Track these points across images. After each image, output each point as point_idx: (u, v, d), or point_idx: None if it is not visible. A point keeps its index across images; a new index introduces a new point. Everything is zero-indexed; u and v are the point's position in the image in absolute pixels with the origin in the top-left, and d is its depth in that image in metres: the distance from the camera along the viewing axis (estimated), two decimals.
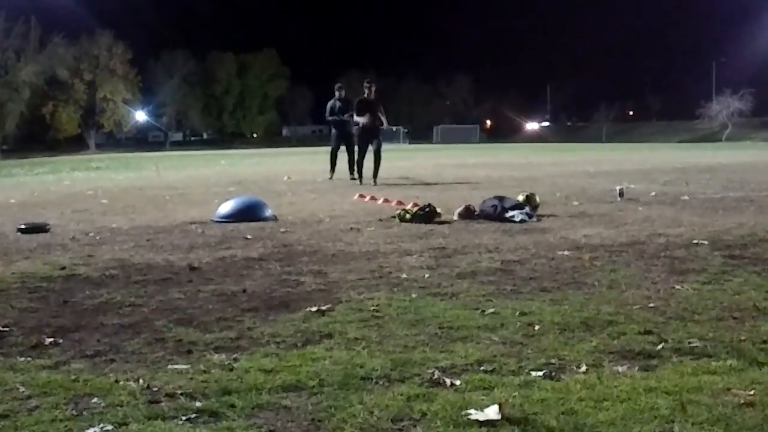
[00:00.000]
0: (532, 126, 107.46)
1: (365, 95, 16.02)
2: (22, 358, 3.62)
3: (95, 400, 3.04)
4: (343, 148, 17.22)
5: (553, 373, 3.26)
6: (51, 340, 3.93)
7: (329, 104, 17.54)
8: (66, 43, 76.56)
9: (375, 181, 15.54)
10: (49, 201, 13.16)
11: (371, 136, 16.05)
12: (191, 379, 3.27)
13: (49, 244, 7.48)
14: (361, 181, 15.68)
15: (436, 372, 3.27)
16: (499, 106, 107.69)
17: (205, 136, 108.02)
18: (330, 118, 17.43)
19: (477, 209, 9.05)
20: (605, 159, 28.14)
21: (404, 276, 5.50)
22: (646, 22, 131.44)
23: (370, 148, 15.90)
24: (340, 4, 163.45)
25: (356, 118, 15.97)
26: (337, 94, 17.41)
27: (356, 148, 16.60)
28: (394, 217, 8.97)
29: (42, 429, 2.75)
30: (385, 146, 16.55)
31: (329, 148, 17.78)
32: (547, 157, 32.30)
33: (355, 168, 16.31)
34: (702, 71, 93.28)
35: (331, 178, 17.04)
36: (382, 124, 16.23)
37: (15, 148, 68.69)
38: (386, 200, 11.22)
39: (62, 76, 77.84)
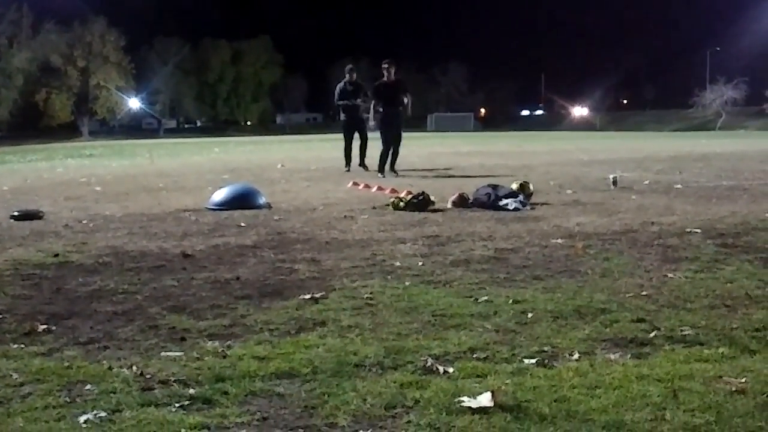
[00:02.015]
0: (580, 112, 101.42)
1: (384, 78, 14.62)
2: (15, 345, 3.62)
3: (88, 387, 3.04)
4: (355, 135, 16.18)
5: (546, 361, 3.27)
6: (44, 327, 3.93)
7: (338, 87, 16.30)
8: (59, 30, 76.20)
9: (395, 171, 14.49)
10: (42, 188, 13.12)
11: (393, 122, 14.71)
12: (184, 366, 3.27)
13: (42, 232, 7.46)
14: (383, 173, 14.38)
15: (429, 359, 3.27)
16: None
17: (198, 123, 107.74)
18: (339, 102, 16.19)
19: (471, 197, 9.05)
20: (599, 147, 28.15)
21: (398, 264, 5.51)
22: (640, 10, 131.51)
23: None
24: None
25: (374, 109, 14.74)
26: (347, 76, 16.10)
27: (368, 136, 15.87)
28: (387, 205, 8.97)
29: (35, 416, 2.75)
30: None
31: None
32: (541, 145, 32.30)
33: (383, 168, 14.69)
34: (696, 60, 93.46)
35: (348, 170, 15.67)
36: (404, 108, 14.85)
37: (8, 135, 68.35)
38: (380, 188, 11.21)
39: (55, 63, 77.54)
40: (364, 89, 16.10)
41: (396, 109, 14.73)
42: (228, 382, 3.05)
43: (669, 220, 7.56)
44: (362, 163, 16.08)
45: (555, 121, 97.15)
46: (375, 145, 15.37)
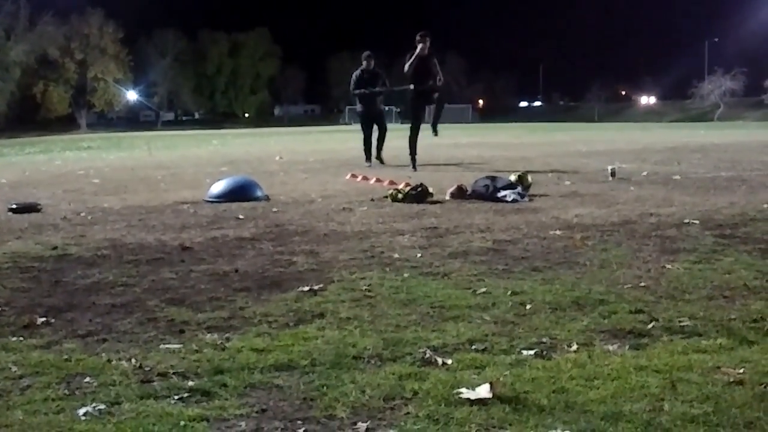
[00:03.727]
0: (647, 101, 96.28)
1: (418, 50, 13.31)
2: (14, 338, 3.62)
3: (87, 379, 3.04)
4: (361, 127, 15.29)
5: (544, 352, 3.27)
6: (43, 319, 3.93)
7: (354, 75, 15.26)
8: (56, 22, 76.04)
9: (414, 166, 13.44)
10: (41, 181, 13.11)
11: (427, 100, 13.68)
12: (183, 358, 3.27)
13: (41, 224, 7.46)
14: (415, 166, 13.40)
15: (428, 351, 3.28)
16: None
17: (196, 115, 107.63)
18: (356, 91, 15.17)
19: (469, 189, 9.05)
20: (597, 139, 28.13)
21: (396, 256, 5.51)
22: (638, 1, 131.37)
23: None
24: None
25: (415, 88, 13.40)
26: (364, 63, 15.06)
27: (376, 124, 15.01)
28: (386, 197, 8.96)
29: (34, 408, 2.75)
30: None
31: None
32: (540, 136, 32.28)
33: (414, 158, 13.68)
34: (694, 51, 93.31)
35: (369, 165, 14.67)
36: (439, 82, 13.59)
37: (5, 128, 68.10)
38: (378, 180, 11.20)
39: (53, 56, 77.46)
40: (382, 77, 15.17)
41: (427, 85, 13.52)
42: (227, 375, 3.06)
43: (667, 211, 7.56)
44: (379, 156, 15.22)
45: (553, 111, 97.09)
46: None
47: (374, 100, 15.22)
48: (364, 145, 15.33)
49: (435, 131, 14.22)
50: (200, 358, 3.26)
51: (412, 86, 13.54)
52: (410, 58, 13.42)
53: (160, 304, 4.24)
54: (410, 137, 13.77)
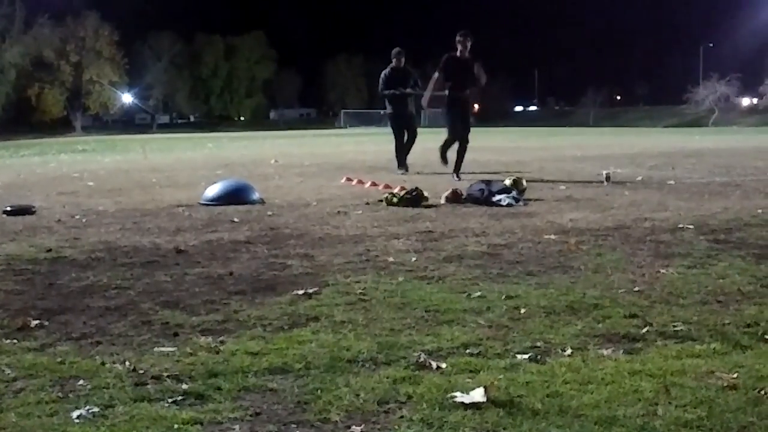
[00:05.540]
0: (749, 101, 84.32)
1: (458, 52, 12.27)
2: (8, 341, 3.61)
3: (81, 382, 3.03)
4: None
5: (539, 356, 3.28)
6: (37, 322, 3.92)
7: (383, 74, 14.09)
8: (52, 25, 75.98)
9: (458, 175, 12.42)
10: (35, 183, 13.09)
11: (464, 108, 12.74)
12: (177, 361, 3.27)
13: (35, 227, 7.44)
14: (458, 176, 12.39)
15: (422, 355, 3.28)
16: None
17: (192, 118, 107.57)
18: (386, 92, 13.96)
19: (464, 193, 9.06)
20: (592, 143, 28.16)
21: (391, 259, 5.51)
22: (633, 6, 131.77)
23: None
24: None
25: (435, 86, 12.49)
26: (393, 61, 13.92)
27: (406, 129, 14.04)
28: (381, 200, 8.96)
29: (28, 411, 2.75)
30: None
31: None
32: (535, 141, 32.31)
33: (445, 155, 12.80)
34: (689, 56, 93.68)
35: (402, 172, 13.67)
36: (474, 86, 12.59)
37: (0, 131, 68.13)
38: (373, 184, 11.21)
39: (48, 58, 77.36)
40: (413, 77, 14.05)
41: (464, 92, 12.54)
42: (221, 378, 3.05)
43: (662, 215, 7.57)
44: (403, 169, 14.00)
45: (549, 116, 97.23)
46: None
47: (405, 101, 14.09)
48: (397, 152, 14.22)
49: (457, 176, 12.58)
50: (194, 362, 3.25)
51: (447, 91, 12.50)
52: (446, 59, 12.35)
53: (155, 307, 4.24)
54: (442, 146, 12.86)
